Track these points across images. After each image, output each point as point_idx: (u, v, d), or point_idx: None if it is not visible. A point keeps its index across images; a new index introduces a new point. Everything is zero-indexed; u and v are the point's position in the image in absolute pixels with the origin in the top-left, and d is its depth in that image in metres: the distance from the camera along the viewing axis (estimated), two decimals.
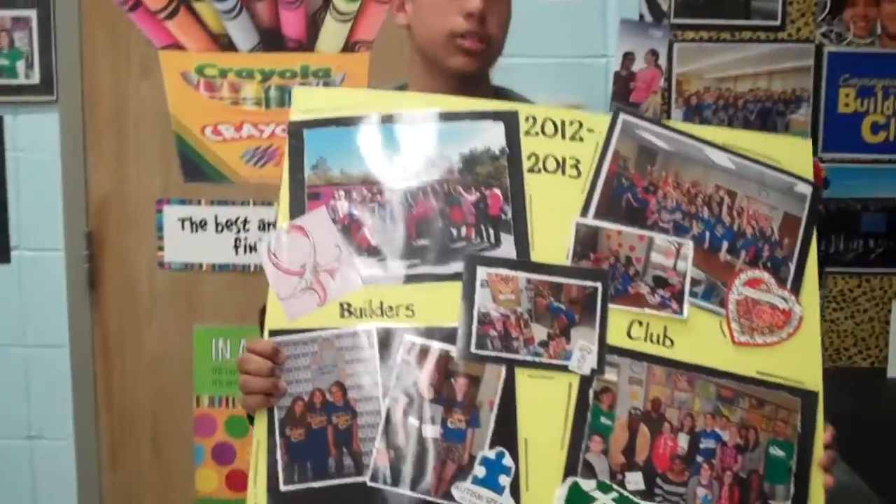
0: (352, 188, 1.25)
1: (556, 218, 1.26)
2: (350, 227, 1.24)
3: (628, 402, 1.21)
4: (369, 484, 1.18)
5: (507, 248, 1.24)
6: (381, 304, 1.22)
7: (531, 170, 1.27)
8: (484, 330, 1.21)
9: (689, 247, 1.27)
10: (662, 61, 2.40)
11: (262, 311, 1.39)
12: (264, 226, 2.49)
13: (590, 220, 1.26)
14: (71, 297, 2.52)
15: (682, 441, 1.22)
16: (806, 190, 1.31)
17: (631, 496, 1.19)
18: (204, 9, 2.42)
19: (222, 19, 2.42)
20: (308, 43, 2.44)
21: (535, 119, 1.29)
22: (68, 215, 2.50)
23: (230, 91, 2.46)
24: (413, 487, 1.17)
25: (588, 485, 1.19)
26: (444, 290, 1.22)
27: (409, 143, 1.28)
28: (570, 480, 1.19)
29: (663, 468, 1.21)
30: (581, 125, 1.29)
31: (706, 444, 1.22)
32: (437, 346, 1.20)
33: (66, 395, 2.52)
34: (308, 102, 1.29)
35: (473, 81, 1.40)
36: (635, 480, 1.20)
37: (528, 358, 1.21)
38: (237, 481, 2.53)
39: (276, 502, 1.18)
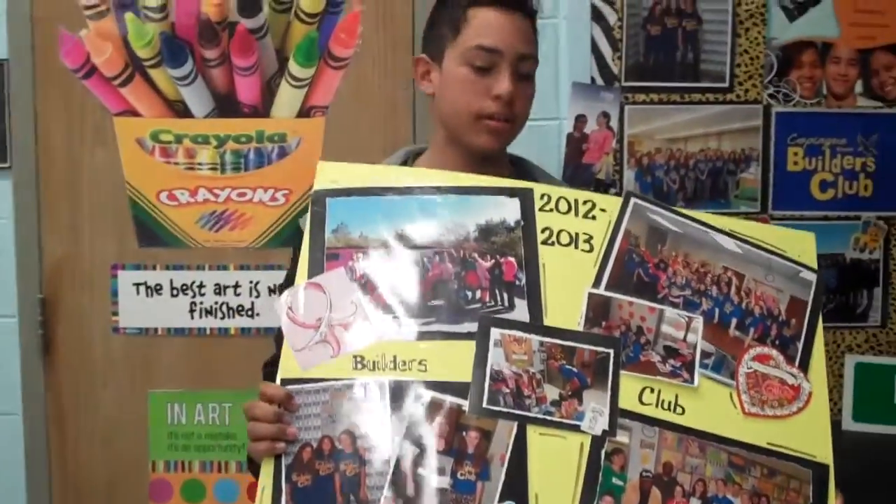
0: (370, 249, 1.30)
1: (568, 287, 1.30)
2: (366, 286, 1.29)
3: (640, 465, 1.23)
4: None
5: (521, 312, 1.28)
6: (395, 357, 1.25)
7: (545, 242, 1.32)
8: (496, 387, 1.23)
9: (699, 321, 1.31)
10: (614, 123, 2.46)
11: (266, 365, 1.46)
12: (221, 289, 2.50)
13: (602, 291, 1.30)
14: (24, 364, 2.52)
15: None
16: (811, 277, 1.38)
17: None
18: (159, 75, 2.45)
19: (177, 86, 2.45)
20: (263, 108, 2.47)
21: (549, 197, 1.35)
22: (22, 281, 2.51)
23: (185, 156, 2.48)
24: None
25: None
26: (456, 347, 1.25)
27: (427, 212, 1.33)
28: None
29: None
30: (594, 205, 1.35)
31: None
32: (449, 399, 1.22)
33: (20, 463, 2.50)
34: (332, 174, 1.36)
35: (494, 156, 1.47)
36: None
37: (540, 416, 1.23)
38: None
39: None
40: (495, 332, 1.25)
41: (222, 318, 2.51)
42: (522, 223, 1.32)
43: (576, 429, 1.23)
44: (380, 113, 2.48)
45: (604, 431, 1.23)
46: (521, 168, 1.56)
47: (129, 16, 2.42)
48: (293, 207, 2.50)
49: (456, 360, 1.24)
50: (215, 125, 2.47)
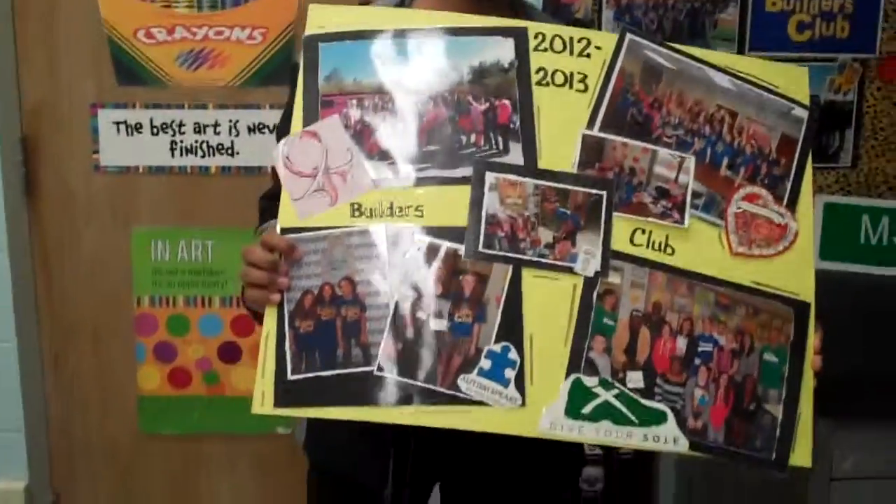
0: (364, 96, 1.32)
1: (563, 128, 1.32)
2: (362, 133, 1.31)
3: (630, 305, 1.29)
4: (376, 373, 1.23)
5: (515, 156, 1.31)
6: (392, 204, 1.28)
7: (539, 83, 1.33)
8: (491, 230, 1.28)
9: (691, 161, 1.34)
10: None
11: (263, 198, 1.50)
12: (200, 128, 2.57)
13: (596, 132, 1.33)
14: (8, 203, 2.59)
15: (681, 344, 1.29)
16: (803, 114, 1.39)
17: (631, 394, 1.26)
18: None
19: None
20: None
21: (544, 36, 1.35)
22: (2, 122, 2.56)
23: None
24: (419, 377, 1.24)
25: (590, 381, 1.26)
26: (452, 192, 1.29)
27: (420, 55, 1.34)
28: (573, 376, 1.26)
29: (663, 369, 1.28)
30: (589, 42, 1.36)
31: (704, 347, 1.29)
32: (445, 244, 1.27)
33: (7, 298, 2.60)
34: (322, 19, 1.36)
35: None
36: (636, 379, 1.27)
37: (535, 258, 1.28)
38: (179, 378, 2.66)
39: (283, 390, 1.23)
40: (490, 177, 1.29)
41: (202, 156, 2.58)
42: (517, 63, 1.33)
43: (569, 270, 1.28)
44: None
45: (596, 273, 1.28)
46: (520, 7, 1.52)
47: None
48: (270, 46, 2.54)
49: (452, 205, 1.28)
50: None
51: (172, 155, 2.58)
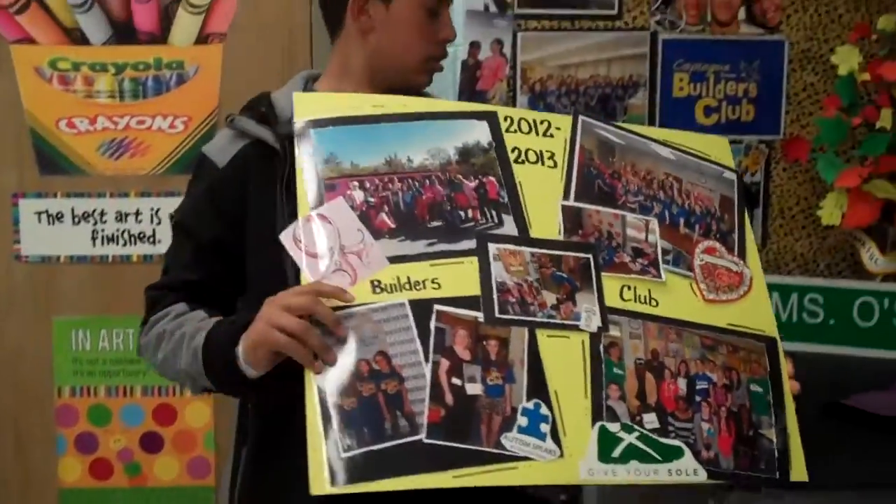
0: (364, 178, 1.38)
1: (544, 201, 1.44)
2: (368, 214, 1.36)
3: (633, 354, 1.39)
4: (425, 440, 1.26)
5: (510, 227, 1.41)
6: (409, 279, 1.33)
7: (517, 160, 1.46)
8: (504, 297, 1.35)
9: (654, 223, 1.49)
10: (507, 50, 2.58)
11: (152, 289, 1.59)
12: (122, 216, 2.59)
13: (572, 202, 1.46)
14: None
15: (682, 384, 1.40)
16: (732, 176, 1.59)
17: (650, 434, 1.35)
18: (55, 2, 2.52)
19: (74, 13, 2.53)
20: (161, 35, 2.55)
21: (511, 119, 1.49)
22: None
23: (84, 84, 2.56)
24: (467, 441, 1.27)
25: (613, 427, 1.34)
26: (462, 264, 1.37)
27: (409, 137, 1.43)
28: (598, 424, 1.33)
29: (671, 408, 1.38)
30: (550, 124, 1.50)
31: (701, 385, 1.40)
32: (465, 312, 1.33)
33: None
34: (309, 107, 1.43)
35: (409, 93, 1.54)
36: (651, 420, 1.36)
37: (545, 320, 1.36)
38: (100, 470, 2.63)
39: (339, 468, 1.23)
40: (492, 247, 1.38)
41: (124, 244, 2.60)
42: (494, 144, 1.45)
43: (575, 328, 1.37)
44: (277, 40, 2.57)
45: (599, 328, 1.38)
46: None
47: None
48: (192, 134, 2.59)
49: (463, 277, 1.35)
50: (113, 52, 2.55)
51: (94, 244, 2.60)
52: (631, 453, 1.33)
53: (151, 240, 2.61)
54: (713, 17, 2.63)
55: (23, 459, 2.64)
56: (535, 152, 1.47)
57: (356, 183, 1.38)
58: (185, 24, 2.55)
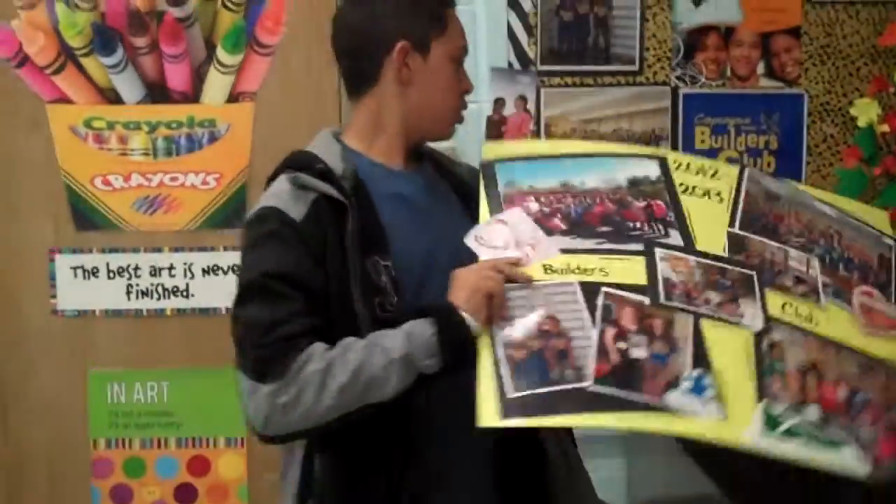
0: (540, 195, 1.59)
1: (710, 226, 1.61)
2: (542, 219, 1.56)
3: (794, 359, 1.49)
4: (590, 388, 1.40)
5: (676, 239, 1.58)
6: (578, 266, 1.50)
7: (683, 192, 1.65)
8: (668, 288, 1.50)
9: (815, 260, 1.64)
10: (531, 106, 2.64)
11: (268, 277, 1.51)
12: (156, 271, 2.65)
13: (737, 230, 1.63)
14: None
15: (842, 392, 1.48)
16: (890, 242, 1.76)
17: (811, 423, 1.43)
18: (90, 64, 2.58)
19: (109, 73, 2.59)
20: (193, 95, 2.62)
21: (681, 162, 1.70)
22: None
23: (118, 142, 2.62)
24: (632, 390, 1.41)
25: (777, 409, 1.43)
26: (628, 261, 1.52)
27: (583, 168, 1.64)
28: (763, 402, 1.43)
29: (832, 408, 1.46)
30: (717, 170, 1.71)
31: (861, 397, 1.48)
32: (632, 295, 1.48)
33: None
34: (495, 151, 1.69)
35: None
36: (812, 413, 1.44)
37: (709, 313, 1.49)
38: None
39: (505, 406, 1.38)
40: (659, 251, 1.54)
41: (158, 298, 2.66)
42: (663, 179, 1.64)
43: (738, 325, 1.49)
44: (306, 98, 2.64)
45: (762, 328, 1.50)
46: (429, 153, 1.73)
47: (59, 5, 2.55)
48: (224, 190, 2.65)
49: (629, 270, 1.51)
50: (147, 112, 2.62)
51: (128, 298, 2.66)
52: (794, 434, 1.41)
53: (185, 294, 2.66)
54: (733, 71, 2.68)
55: None
56: (702, 189, 1.66)
57: (532, 197, 1.58)
58: (216, 84, 2.61)
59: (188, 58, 2.59)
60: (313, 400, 1.41)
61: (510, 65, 2.63)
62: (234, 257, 2.61)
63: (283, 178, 1.56)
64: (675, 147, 2.68)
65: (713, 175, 1.69)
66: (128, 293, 2.66)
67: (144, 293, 2.66)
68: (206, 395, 2.68)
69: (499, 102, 2.63)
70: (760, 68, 2.69)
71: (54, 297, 2.65)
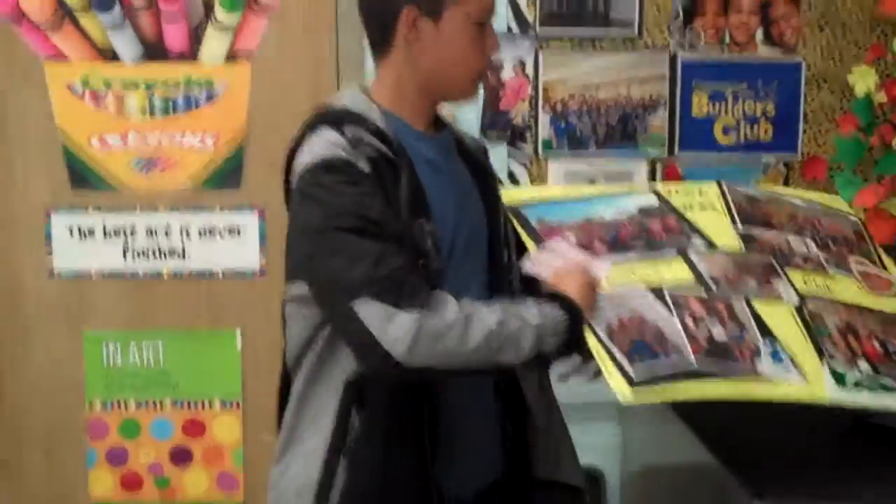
0: (571, 227, 1.76)
1: (719, 230, 1.82)
2: (583, 245, 1.72)
3: (832, 322, 1.71)
4: (696, 366, 1.56)
5: (699, 244, 1.79)
6: (634, 273, 1.67)
7: (686, 209, 1.87)
8: (716, 279, 1.70)
9: (811, 242, 1.88)
10: (529, 70, 2.64)
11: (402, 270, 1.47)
12: (152, 232, 2.64)
13: (741, 229, 1.86)
14: None
15: (876, 344, 1.70)
16: (854, 217, 2.06)
17: (869, 372, 1.64)
18: (88, 21, 2.57)
19: (106, 32, 2.57)
20: (191, 54, 2.60)
21: (671, 190, 1.93)
22: None
23: (115, 101, 2.61)
24: (729, 363, 1.58)
25: (838, 366, 1.63)
26: (671, 264, 1.72)
27: (596, 205, 1.84)
28: (826, 363, 1.62)
29: (877, 360, 1.67)
30: (700, 189, 1.93)
31: (892, 348, 1.70)
32: (691, 291, 1.66)
33: None
34: (515, 196, 1.85)
35: None
36: (864, 367, 1.66)
37: (754, 294, 1.69)
38: (131, 483, 2.67)
39: (635, 385, 1.50)
40: (692, 252, 1.75)
41: (154, 259, 2.65)
42: (665, 204, 1.87)
43: (781, 300, 1.71)
44: (304, 59, 2.63)
45: (799, 301, 1.71)
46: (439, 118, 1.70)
47: None
48: (221, 151, 2.64)
49: (676, 271, 1.70)
50: (144, 70, 2.61)
51: (125, 259, 2.65)
52: (860, 385, 1.62)
53: (181, 255, 2.65)
54: (731, 38, 2.69)
55: (54, 473, 2.69)
56: (698, 204, 1.89)
57: (565, 230, 1.74)
58: (214, 43, 2.60)
59: (186, 16, 2.58)
60: (457, 340, 1.40)
61: (509, 28, 2.62)
62: (231, 218, 2.64)
63: (329, 130, 1.51)
64: (672, 114, 2.69)
65: (700, 193, 1.91)
66: (124, 254, 2.65)
67: (141, 254, 2.65)
68: (202, 357, 2.68)
69: (497, 67, 2.62)
70: (759, 35, 2.69)
71: (50, 255, 2.64)
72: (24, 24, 2.57)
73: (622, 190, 1.94)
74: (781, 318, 1.67)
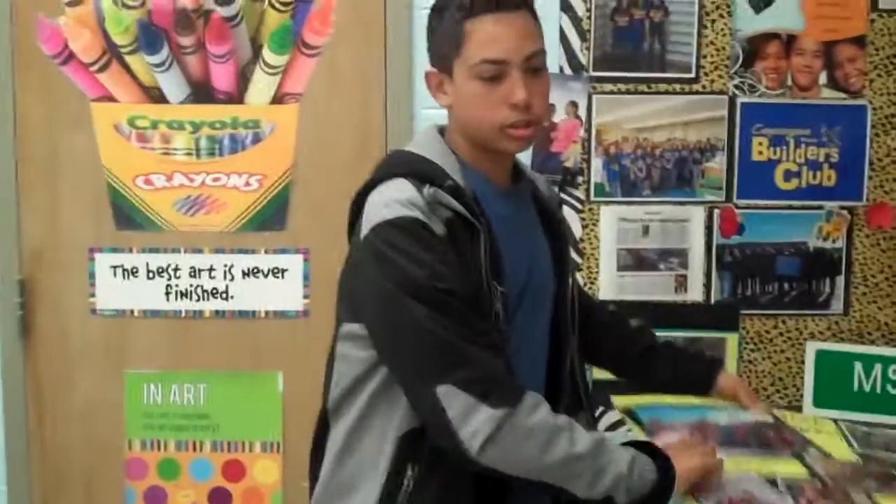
0: (685, 426, 1.69)
1: (836, 447, 1.73)
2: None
3: None
4: None
5: (815, 453, 1.68)
6: (747, 463, 1.61)
7: (801, 430, 1.78)
8: (833, 476, 1.61)
9: None
10: (582, 112, 2.57)
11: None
12: (195, 272, 2.62)
13: (860, 449, 1.77)
14: (5, 345, 2.64)
15: None
16: None
17: None
18: (135, 62, 2.56)
19: (153, 72, 2.57)
20: (238, 95, 2.58)
21: (786, 414, 1.87)
22: (1, 263, 2.62)
23: (161, 142, 2.60)
24: None
25: None
26: (785, 463, 1.65)
27: (711, 413, 1.76)
28: None
29: None
30: (816, 420, 1.89)
31: None
32: (807, 484, 1.58)
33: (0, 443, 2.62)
34: (632, 399, 1.82)
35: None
36: None
37: (875, 488, 1.58)
38: None
39: None
40: (808, 455, 1.67)
41: (197, 300, 2.63)
42: (780, 422, 1.78)
43: None
44: (352, 101, 2.59)
45: None
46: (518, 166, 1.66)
47: (106, 2, 2.54)
48: (267, 192, 2.61)
49: (790, 467, 1.63)
50: (191, 111, 2.59)
51: (167, 299, 2.64)
52: None
53: (224, 296, 2.63)
54: (793, 81, 2.59)
55: None
56: (813, 428, 1.83)
57: (679, 427, 1.67)
58: (261, 85, 2.58)
59: (234, 57, 2.56)
60: (538, 451, 1.37)
61: (561, 70, 2.56)
62: (275, 260, 2.61)
63: (405, 185, 1.46)
64: (730, 159, 2.59)
65: (815, 422, 1.86)
66: (167, 294, 2.64)
67: (183, 294, 2.64)
68: (243, 399, 2.65)
69: (549, 108, 2.55)
70: (822, 78, 2.59)
71: (93, 296, 2.63)
72: (73, 64, 2.57)
73: (736, 405, 1.84)
74: None
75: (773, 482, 1.55)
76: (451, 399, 1.36)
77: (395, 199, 1.44)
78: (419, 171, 1.49)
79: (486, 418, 1.35)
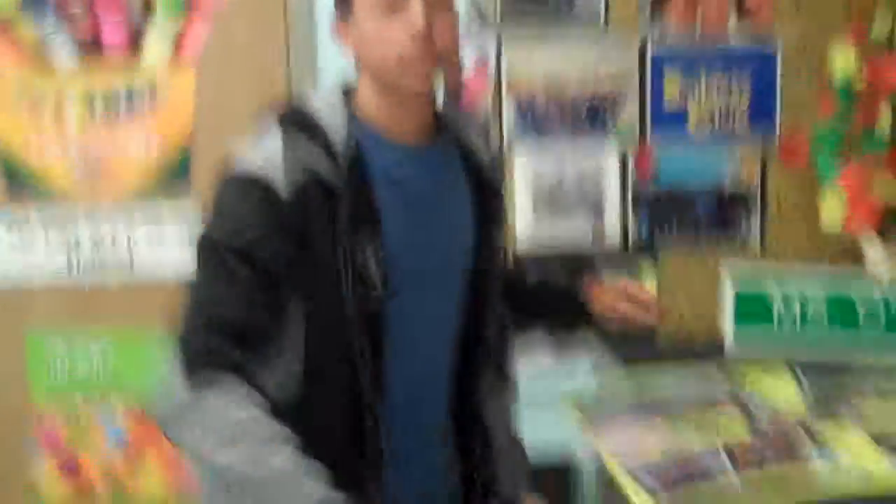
0: None
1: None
2: None
3: None
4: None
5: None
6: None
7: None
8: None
9: None
10: (491, 64, 2.52)
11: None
12: (96, 241, 2.56)
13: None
14: None
15: None
16: None
17: None
18: (25, 26, 2.46)
19: (43, 37, 2.47)
20: (133, 59, 2.50)
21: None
22: None
23: (55, 108, 2.50)
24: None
25: None
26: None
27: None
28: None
29: None
30: None
31: None
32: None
33: None
34: None
35: (423, 97, 1.46)
36: None
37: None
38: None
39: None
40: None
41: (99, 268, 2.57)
42: None
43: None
44: (250, 65, 2.52)
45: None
46: (443, 118, 1.55)
47: None
48: (165, 157, 2.54)
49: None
50: (84, 76, 2.50)
51: (69, 269, 2.56)
52: None
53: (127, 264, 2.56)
54: (703, 24, 2.56)
55: None
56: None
57: None
58: (156, 48, 2.49)
59: (127, 21, 2.47)
60: (211, 447, 1.30)
61: (476, 14, 2.50)
62: (176, 226, 2.51)
63: (277, 134, 1.41)
64: (642, 104, 2.57)
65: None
66: (68, 264, 2.55)
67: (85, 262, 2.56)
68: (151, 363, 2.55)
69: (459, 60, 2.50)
70: (732, 20, 2.57)
71: None
72: None
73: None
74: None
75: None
76: (173, 356, 1.35)
77: (252, 149, 1.42)
78: (293, 119, 1.43)
79: (179, 390, 1.32)
